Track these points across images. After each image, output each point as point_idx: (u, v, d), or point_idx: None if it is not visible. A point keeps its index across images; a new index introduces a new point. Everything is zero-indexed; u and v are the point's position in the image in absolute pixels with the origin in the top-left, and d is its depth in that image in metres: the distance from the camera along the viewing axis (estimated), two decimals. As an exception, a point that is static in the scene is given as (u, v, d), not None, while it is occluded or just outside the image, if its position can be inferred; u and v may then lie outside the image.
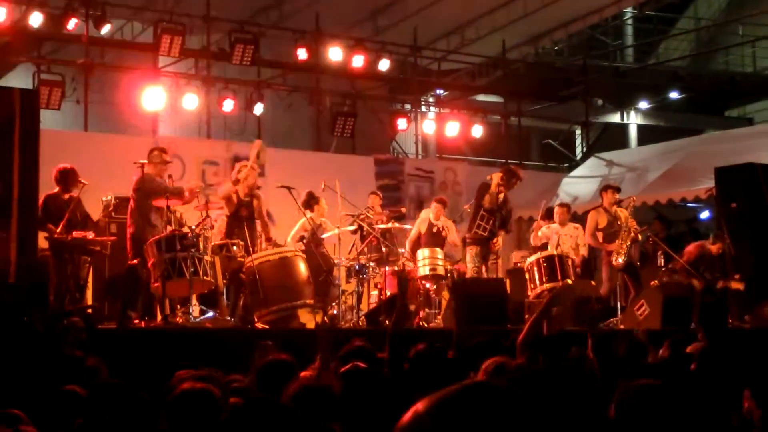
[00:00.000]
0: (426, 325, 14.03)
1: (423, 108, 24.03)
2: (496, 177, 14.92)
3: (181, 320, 11.86)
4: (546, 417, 2.05)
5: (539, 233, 16.23)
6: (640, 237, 15.73)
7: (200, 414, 4.53)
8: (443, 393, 2.05)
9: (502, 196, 14.83)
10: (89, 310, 11.94)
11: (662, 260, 16.96)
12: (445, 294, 14.93)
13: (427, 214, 15.97)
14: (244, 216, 13.18)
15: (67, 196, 12.60)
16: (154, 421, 4.60)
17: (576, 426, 4.48)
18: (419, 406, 2.04)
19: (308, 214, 14.64)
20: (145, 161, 12.74)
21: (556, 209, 16.59)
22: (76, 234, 12.39)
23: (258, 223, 13.49)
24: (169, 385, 5.62)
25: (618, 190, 15.97)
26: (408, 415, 2.04)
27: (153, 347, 10.31)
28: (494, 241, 14.79)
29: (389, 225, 15.84)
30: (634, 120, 28.87)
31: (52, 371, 6.67)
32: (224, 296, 12.65)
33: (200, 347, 10.30)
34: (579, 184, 21.66)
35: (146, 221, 12.57)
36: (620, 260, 15.06)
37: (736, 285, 15.24)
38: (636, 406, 4.04)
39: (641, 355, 8.38)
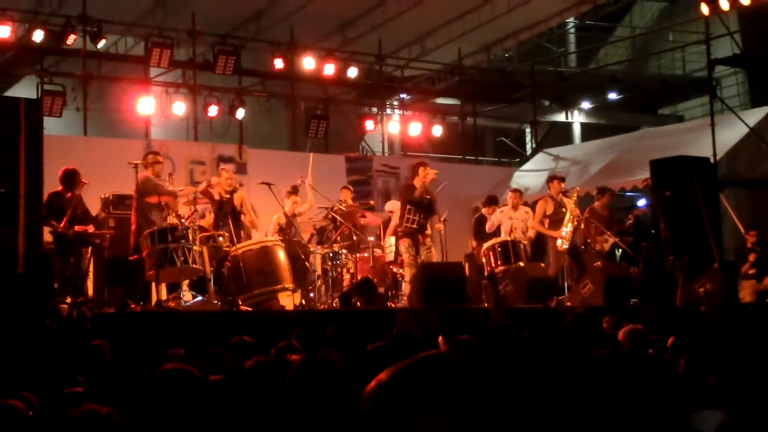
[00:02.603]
0: (393, 305, 14.05)
1: (388, 110, 24.04)
2: (431, 173, 14.41)
3: (173, 304, 11.87)
4: (500, 390, 2.05)
5: (493, 218, 16.19)
6: (582, 225, 15.76)
7: (181, 392, 4.42)
8: (403, 363, 2.06)
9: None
10: (91, 304, 11.96)
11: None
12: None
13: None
14: (227, 211, 13.35)
15: (69, 194, 12.57)
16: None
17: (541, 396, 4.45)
18: (382, 375, 2.05)
19: (287, 203, 14.71)
20: (139, 161, 12.87)
21: (509, 194, 16.50)
22: (77, 228, 12.38)
23: (245, 217, 13.64)
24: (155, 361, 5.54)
25: (563, 179, 16.05)
26: (372, 383, 2.05)
27: (148, 329, 10.35)
28: (426, 231, 14.31)
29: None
30: (577, 119, 28.89)
31: (70, 353, 6.68)
32: (212, 282, 12.66)
33: (190, 328, 10.35)
34: (529, 176, 21.70)
35: (146, 219, 12.68)
36: (565, 245, 15.14)
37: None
38: (597, 375, 4.06)
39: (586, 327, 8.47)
